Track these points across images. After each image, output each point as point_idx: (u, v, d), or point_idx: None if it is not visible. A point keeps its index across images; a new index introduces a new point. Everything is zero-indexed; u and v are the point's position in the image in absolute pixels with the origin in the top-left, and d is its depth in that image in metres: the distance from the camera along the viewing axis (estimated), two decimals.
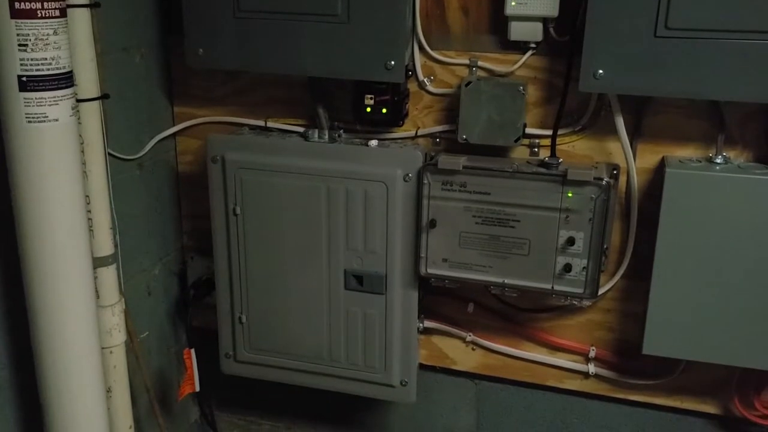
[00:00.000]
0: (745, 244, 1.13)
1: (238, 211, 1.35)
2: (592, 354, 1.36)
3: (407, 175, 1.27)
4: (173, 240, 1.55)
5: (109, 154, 1.28)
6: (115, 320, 1.28)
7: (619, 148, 1.22)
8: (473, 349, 1.45)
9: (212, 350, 1.48)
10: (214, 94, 1.44)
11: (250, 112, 1.42)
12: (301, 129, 1.38)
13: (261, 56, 1.27)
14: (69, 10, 1.06)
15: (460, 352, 1.46)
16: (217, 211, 1.37)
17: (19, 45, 0.95)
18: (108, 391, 1.28)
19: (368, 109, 1.30)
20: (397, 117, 1.31)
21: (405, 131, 1.35)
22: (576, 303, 1.31)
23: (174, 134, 1.49)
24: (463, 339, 1.44)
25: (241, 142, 1.35)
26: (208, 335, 1.48)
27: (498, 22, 1.23)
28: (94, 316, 1.13)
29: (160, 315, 1.55)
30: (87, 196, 1.18)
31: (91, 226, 1.20)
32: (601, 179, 1.16)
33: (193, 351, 1.42)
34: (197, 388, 1.43)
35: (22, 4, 0.94)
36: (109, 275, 1.27)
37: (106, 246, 1.25)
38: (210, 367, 1.47)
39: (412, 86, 1.33)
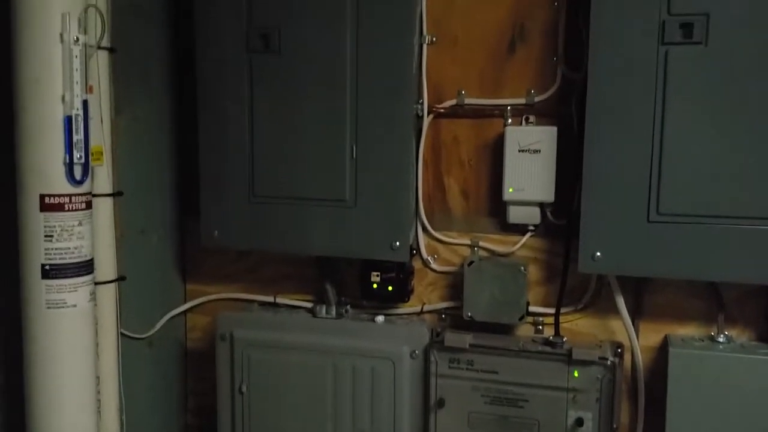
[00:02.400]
0: (753, 422, 1.12)
1: (244, 389, 1.35)
2: None
3: (414, 351, 1.28)
4: (177, 418, 1.53)
5: (121, 333, 1.30)
6: None
7: (621, 326, 1.24)
8: None
9: None
10: (226, 271, 1.49)
11: (260, 289, 1.46)
12: (309, 304, 1.41)
13: (273, 237, 1.33)
14: (94, 200, 1.13)
15: None
16: (223, 389, 1.37)
17: (45, 236, 1.01)
18: None
19: (375, 286, 1.34)
20: (403, 293, 1.35)
21: (411, 306, 1.38)
22: None
23: (185, 311, 1.52)
24: None
25: (250, 320, 1.37)
26: None
27: (497, 206, 1.30)
28: None
29: None
30: (97, 377, 1.19)
31: (98, 407, 1.20)
32: (606, 359, 1.17)
33: None
34: None
35: (52, 199, 1.01)
36: None
37: (112, 427, 1.25)
38: None
39: (417, 264, 1.37)
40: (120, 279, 1.25)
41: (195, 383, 1.55)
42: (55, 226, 1.01)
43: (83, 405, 1.06)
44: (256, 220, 1.33)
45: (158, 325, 1.45)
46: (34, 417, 1.04)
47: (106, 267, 1.22)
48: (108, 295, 1.23)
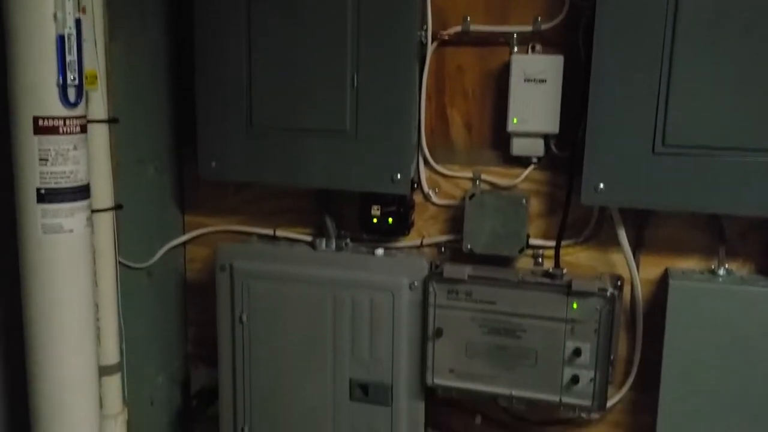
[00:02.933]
0: (751, 355, 1.13)
1: (245, 319, 1.35)
2: None
3: (413, 283, 1.28)
4: (178, 348, 1.55)
5: (120, 262, 1.30)
6: (118, 431, 1.26)
7: (622, 259, 1.24)
8: None
9: None
10: (225, 203, 1.48)
11: (259, 222, 1.45)
12: (308, 238, 1.41)
13: (272, 169, 1.31)
14: (89, 125, 1.11)
15: None
16: (223, 319, 1.38)
17: (40, 159, 1.00)
18: None
19: (374, 220, 1.33)
20: (403, 227, 1.34)
21: (410, 240, 1.37)
22: (584, 416, 1.28)
23: (184, 243, 1.52)
24: None
25: (250, 251, 1.37)
26: None
27: (500, 138, 1.28)
28: (97, 426, 1.11)
29: (162, 425, 1.52)
30: (96, 304, 1.20)
31: (98, 334, 1.21)
32: (606, 290, 1.17)
33: None
34: None
35: (46, 121, 0.99)
36: (113, 384, 1.26)
37: (112, 354, 1.25)
38: None
39: (418, 197, 1.36)
40: (117, 207, 1.24)
41: (195, 314, 1.56)
42: (49, 150, 1.00)
43: (82, 331, 1.06)
44: (253, 151, 1.31)
45: (157, 256, 1.44)
46: (33, 342, 1.05)
47: (103, 195, 1.21)
48: (105, 223, 1.22)
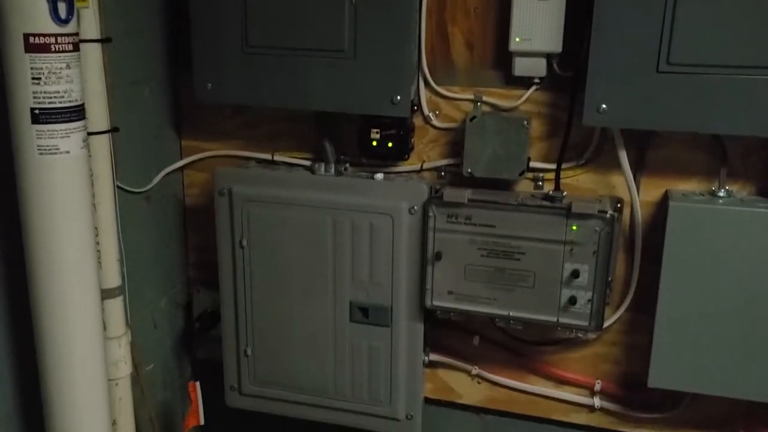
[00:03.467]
0: (749, 277, 1.14)
1: (245, 243, 1.36)
2: (597, 387, 1.36)
3: (413, 207, 1.28)
4: (179, 272, 1.56)
5: (118, 186, 1.30)
6: (122, 352, 1.29)
7: (622, 182, 1.23)
8: (479, 383, 1.45)
9: (217, 383, 1.47)
10: (222, 127, 1.46)
11: (258, 146, 1.44)
12: (307, 162, 1.40)
13: (268, 91, 1.29)
14: (81, 45, 1.08)
15: (466, 385, 1.46)
16: (223, 244, 1.38)
17: (33, 78, 0.97)
18: (113, 424, 1.28)
19: (374, 143, 1.32)
20: (403, 151, 1.33)
21: (410, 165, 1.36)
22: (581, 336, 1.30)
23: (182, 167, 1.51)
24: (468, 372, 1.44)
25: (249, 176, 1.36)
26: (213, 368, 1.48)
27: (502, 58, 1.26)
28: (101, 348, 1.13)
29: (165, 347, 1.55)
30: (95, 227, 1.20)
31: (99, 258, 1.21)
32: (606, 212, 1.17)
33: (198, 384, 1.41)
34: (202, 422, 1.42)
35: (37, 38, 0.96)
36: (115, 307, 1.27)
37: (113, 278, 1.26)
38: (215, 400, 1.47)
39: (418, 120, 1.34)
40: (113, 130, 1.22)
41: (195, 239, 1.56)
42: (42, 68, 0.97)
43: (83, 253, 1.07)
44: (250, 72, 1.29)
45: (155, 180, 1.44)
46: (34, 264, 1.05)
47: (98, 117, 1.19)
48: (102, 145, 1.21)
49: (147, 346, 1.46)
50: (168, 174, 1.47)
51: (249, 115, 1.44)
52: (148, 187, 1.43)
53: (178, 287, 1.56)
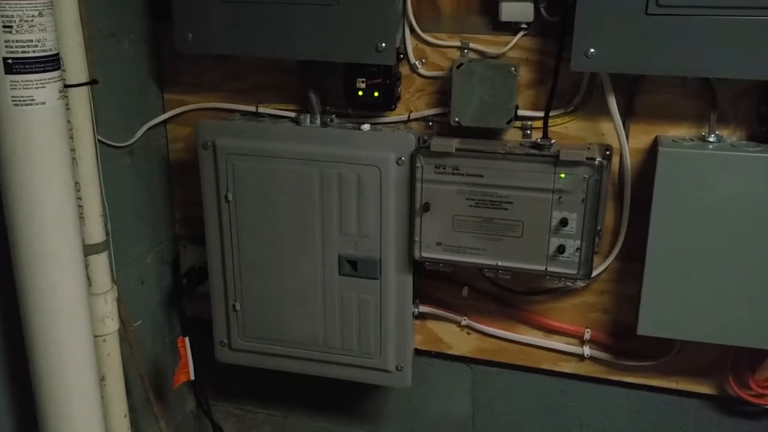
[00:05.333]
0: (738, 221, 1.13)
1: (230, 197, 1.34)
2: (587, 336, 1.36)
3: (400, 158, 1.26)
4: (165, 228, 1.55)
5: (99, 140, 1.27)
6: (108, 308, 1.28)
7: (611, 129, 1.22)
8: (468, 334, 1.45)
9: (207, 339, 1.47)
10: (205, 80, 1.43)
11: (241, 98, 1.41)
12: (292, 114, 1.37)
13: (251, 40, 1.26)
14: None
15: (456, 336, 1.46)
16: (208, 198, 1.36)
17: (4, 27, 0.94)
18: (102, 380, 1.28)
19: (360, 93, 1.29)
20: (390, 100, 1.31)
21: (397, 115, 1.34)
22: (570, 284, 1.30)
23: (164, 122, 1.48)
24: (458, 323, 1.44)
25: (233, 128, 1.34)
26: (203, 324, 1.48)
27: (489, 3, 1.22)
28: (86, 304, 1.12)
29: (153, 304, 1.54)
30: (77, 182, 1.18)
31: (81, 213, 1.20)
32: (594, 159, 1.15)
33: (187, 339, 1.41)
34: (192, 377, 1.43)
35: None
36: (101, 263, 1.26)
37: (97, 233, 1.25)
38: (205, 356, 1.47)
39: (404, 69, 1.32)
40: (92, 82, 1.19)
41: (181, 194, 1.54)
42: (13, 16, 0.94)
43: (63, 206, 1.05)
44: (231, 21, 1.25)
45: (138, 134, 1.41)
46: (14, 217, 1.03)
47: (76, 69, 1.16)
48: (80, 98, 1.18)
49: (134, 302, 1.45)
50: (151, 128, 1.45)
51: (232, 67, 1.41)
52: (131, 141, 1.40)
53: (165, 243, 1.55)
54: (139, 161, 1.43)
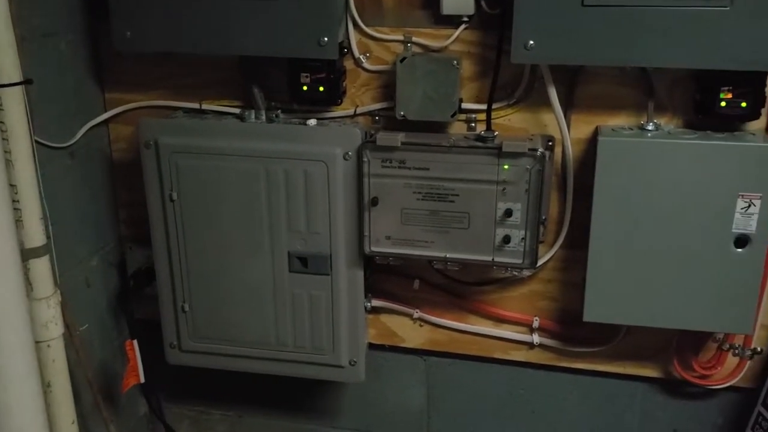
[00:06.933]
0: (677, 207, 1.16)
1: (175, 197, 1.32)
2: (535, 324, 1.38)
3: (347, 153, 1.26)
4: (110, 230, 1.52)
5: (37, 141, 1.24)
6: (51, 313, 1.25)
7: (553, 120, 1.23)
8: (421, 326, 1.46)
9: (157, 341, 1.45)
10: (146, 78, 1.41)
11: (184, 96, 1.39)
12: (237, 111, 1.36)
13: (191, 37, 1.24)
14: None
15: (408, 329, 1.47)
16: (152, 198, 1.34)
17: None
18: (48, 386, 1.25)
19: (304, 88, 1.29)
20: (335, 95, 1.30)
21: (343, 110, 1.34)
22: (517, 274, 1.32)
23: (106, 121, 1.45)
24: (410, 316, 1.45)
25: (175, 126, 1.32)
26: (153, 325, 1.45)
27: None
28: (26, 309, 1.09)
29: (100, 307, 1.51)
30: (13, 185, 1.15)
31: (19, 217, 1.17)
32: (536, 150, 1.17)
33: (135, 342, 1.39)
34: (142, 380, 1.41)
35: None
36: (42, 267, 1.23)
37: (37, 236, 1.21)
38: (156, 359, 1.45)
39: (349, 64, 1.31)
40: (26, 82, 1.16)
41: (125, 195, 1.51)
42: None
43: None
44: (170, 16, 1.23)
45: (78, 135, 1.38)
46: None
47: (9, 68, 1.13)
48: (14, 99, 1.14)
49: (80, 306, 1.42)
50: (92, 128, 1.42)
51: (174, 64, 1.38)
52: (71, 142, 1.37)
53: (111, 245, 1.52)
54: (80, 162, 1.40)
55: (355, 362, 1.40)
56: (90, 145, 1.42)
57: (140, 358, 1.39)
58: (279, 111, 1.33)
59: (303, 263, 1.33)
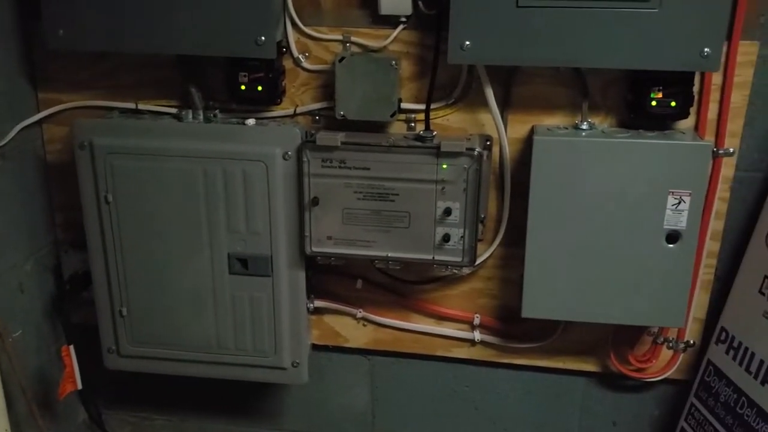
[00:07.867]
0: (611, 205, 1.18)
1: (110, 198, 1.29)
2: (476, 321, 1.40)
3: (287, 153, 1.25)
4: (45, 234, 1.48)
5: None
6: None
7: (491, 120, 1.24)
8: (364, 325, 1.46)
9: (95, 346, 1.42)
10: (81, 77, 1.37)
11: (120, 95, 1.37)
12: (174, 111, 1.34)
13: (126, 35, 1.22)
14: None
15: (352, 329, 1.47)
16: (87, 200, 1.31)
17: None
18: None
19: (243, 87, 1.27)
20: (274, 95, 1.29)
21: (283, 109, 1.33)
22: (457, 272, 1.33)
23: (39, 122, 1.41)
24: (353, 316, 1.45)
25: (110, 126, 1.29)
26: (90, 330, 1.42)
27: None
28: None
29: (35, 313, 1.47)
30: None
31: None
32: (473, 150, 1.18)
33: (71, 347, 1.36)
34: (79, 386, 1.38)
35: None
36: None
37: None
38: (95, 364, 1.42)
39: (288, 63, 1.31)
40: None
41: (60, 197, 1.47)
42: None
43: None
44: (105, 14, 1.21)
45: (10, 136, 1.34)
46: None
47: None
48: None
49: (13, 311, 1.38)
50: (24, 129, 1.38)
51: (108, 63, 1.36)
52: (2, 143, 1.33)
53: (45, 249, 1.48)
54: (12, 164, 1.36)
55: (298, 364, 1.39)
56: (22, 147, 1.38)
57: (77, 363, 1.36)
58: (217, 111, 1.31)
59: (243, 265, 1.32)
